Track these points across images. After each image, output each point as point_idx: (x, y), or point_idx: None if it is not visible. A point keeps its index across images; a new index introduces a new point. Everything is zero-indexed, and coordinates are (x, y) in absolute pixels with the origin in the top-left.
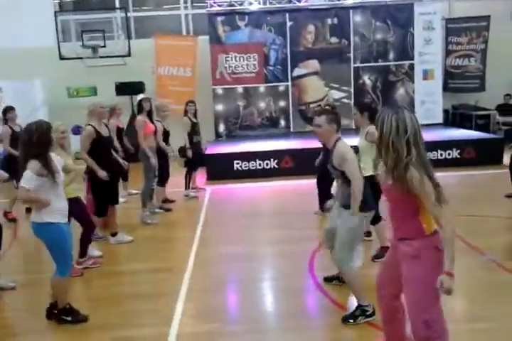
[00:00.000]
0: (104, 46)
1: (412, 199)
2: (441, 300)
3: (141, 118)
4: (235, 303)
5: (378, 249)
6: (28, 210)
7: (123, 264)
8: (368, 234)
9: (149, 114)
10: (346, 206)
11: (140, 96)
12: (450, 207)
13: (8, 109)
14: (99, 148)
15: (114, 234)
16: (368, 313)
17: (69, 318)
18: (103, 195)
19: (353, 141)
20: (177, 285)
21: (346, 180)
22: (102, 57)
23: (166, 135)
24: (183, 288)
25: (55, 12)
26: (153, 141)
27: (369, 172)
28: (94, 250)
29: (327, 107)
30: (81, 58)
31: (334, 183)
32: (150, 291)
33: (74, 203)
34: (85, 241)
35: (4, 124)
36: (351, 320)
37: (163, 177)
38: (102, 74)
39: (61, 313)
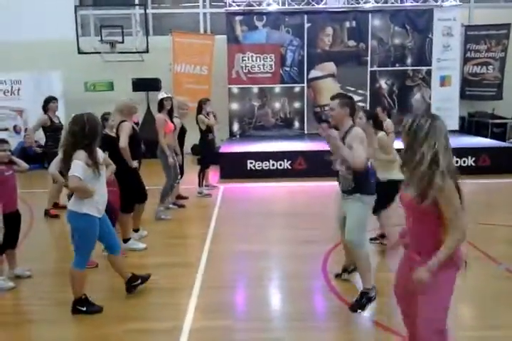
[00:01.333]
0: (122, 42)
1: (436, 215)
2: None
3: (162, 116)
4: (246, 301)
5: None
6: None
7: (137, 258)
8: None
9: (169, 113)
10: (347, 191)
11: (162, 95)
12: (465, 216)
13: (51, 99)
14: (133, 144)
15: (136, 230)
16: (372, 298)
17: (84, 308)
18: (131, 191)
19: None
20: (190, 280)
21: (349, 174)
22: (119, 52)
23: (183, 132)
24: (196, 284)
25: (76, 6)
26: (173, 140)
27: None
28: (138, 243)
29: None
30: (99, 53)
31: None
32: (163, 285)
33: None
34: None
35: (44, 113)
36: (359, 310)
37: (178, 175)
38: (119, 69)
39: (76, 303)
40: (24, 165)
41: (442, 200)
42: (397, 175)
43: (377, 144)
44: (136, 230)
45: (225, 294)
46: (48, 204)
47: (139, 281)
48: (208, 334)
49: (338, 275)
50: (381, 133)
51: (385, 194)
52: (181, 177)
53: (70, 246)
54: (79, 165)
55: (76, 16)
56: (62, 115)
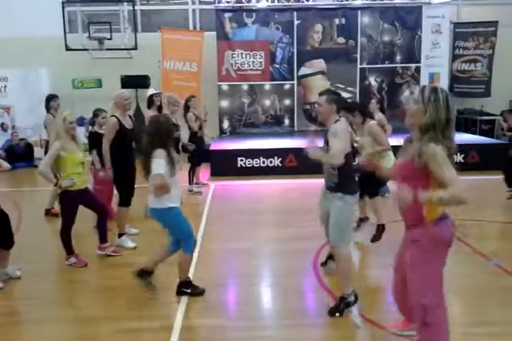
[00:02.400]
0: (111, 39)
1: (422, 181)
2: (443, 289)
3: (151, 113)
4: (237, 299)
5: (375, 228)
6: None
7: (127, 256)
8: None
9: (159, 109)
10: (331, 188)
11: (151, 91)
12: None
13: (52, 97)
14: (121, 140)
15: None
16: (351, 303)
17: (188, 290)
18: (128, 185)
19: None
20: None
21: (333, 169)
22: (108, 49)
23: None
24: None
25: (63, 2)
26: None
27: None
28: (129, 241)
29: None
30: (87, 50)
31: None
32: (154, 284)
33: (85, 193)
34: (103, 226)
35: (47, 113)
36: (337, 314)
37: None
38: (108, 66)
39: (182, 286)
40: (5, 165)
41: (435, 166)
42: (389, 163)
43: (367, 133)
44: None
45: (216, 292)
46: (48, 204)
47: (189, 291)
48: (199, 333)
49: (323, 264)
50: (371, 122)
51: (375, 181)
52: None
53: (58, 244)
54: (161, 163)
55: (63, 13)
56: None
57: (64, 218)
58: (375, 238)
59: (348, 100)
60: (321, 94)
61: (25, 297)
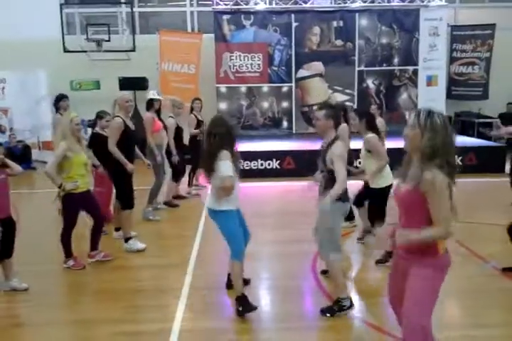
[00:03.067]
0: (109, 40)
1: (425, 213)
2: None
3: (150, 115)
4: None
5: (383, 253)
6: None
7: (125, 259)
8: (369, 232)
9: (157, 111)
10: (324, 195)
11: (151, 94)
12: (453, 217)
13: (62, 97)
14: (125, 141)
15: (118, 229)
16: (345, 307)
17: (240, 308)
18: (129, 187)
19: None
20: (179, 281)
21: (331, 176)
22: (106, 51)
23: (179, 132)
24: (184, 285)
25: (61, 4)
26: (161, 139)
27: (372, 184)
28: (138, 243)
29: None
30: (85, 51)
31: None
32: (152, 287)
33: (88, 196)
34: (97, 234)
35: (56, 112)
36: (328, 314)
37: (179, 174)
38: (106, 68)
39: (237, 301)
40: (18, 168)
41: (433, 199)
42: (387, 180)
43: (366, 146)
44: (118, 229)
45: (214, 295)
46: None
47: (240, 309)
48: (197, 336)
49: (324, 272)
50: (370, 134)
51: (378, 201)
52: (182, 176)
53: (57, 247)
54: (229, 165)
55: (61, 14)
56: (48, 113)
57: (66, 220)
58: (380, 261)
59: (348, 103)
60: (320, 108)
61: (24, 299)
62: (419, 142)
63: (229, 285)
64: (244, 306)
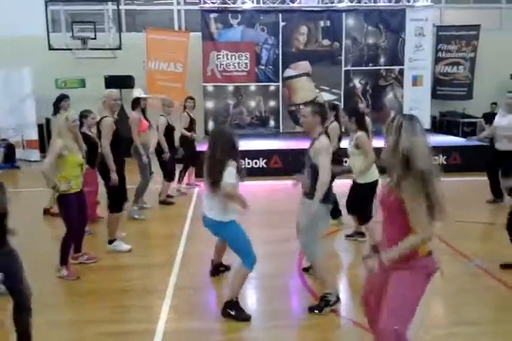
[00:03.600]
0: (95, 38)
1: (404, 217)
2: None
3: (136, 115)
4: (222, 301)
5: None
6: None
7: (110, 259)
8: (362, 234)
9: (143, 110)
10: (308, 195)
11: (138, 92)
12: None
13: (63, 97)
14: (114, 142)
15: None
16: (331, 303)
17: (233, 313)
18: (121, 191)
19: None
20: (163, 282)
21: (314, 171)
22: (91, 49)
23: (170, 130)
24: (169, 285)
25: (46, 1)
26: (147, 138)
27: (359, 180)
28: (123, 244)
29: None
30: (70, 49)
31: None
32: (137, 287)
33: (80, 196)
34: (79, 236)
35: (56, 113)
36: (316, 311)
37: (170, 173)
38: (91, 66)
39: (228, 305)
40: None
41: (409, 203)
42: (373, 176)
43: (354, 143)
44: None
45: (199, 295)
46: (48, 203)
47: (233, 313)
48: (182, 336)
49: (305, 270)
50: (360, 132)
51: (364, 196)
52: (174, 174)
53: (44, 247)
54: (233, 172)
55: (46, 12)
56: (33, 112)
57: (68, 223)
58: (369, 257)
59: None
60: (306, 105)
61: (8, 300)
62: (390, 148)
63: (213, 273)
64: (237, 311)
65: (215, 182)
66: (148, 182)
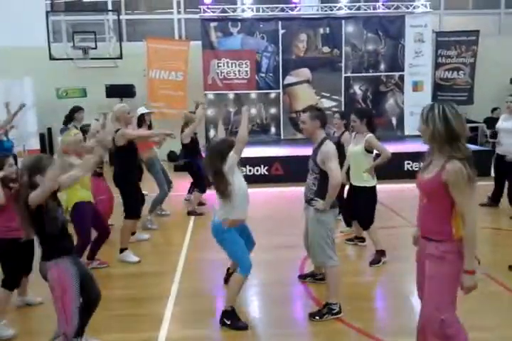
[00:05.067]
0: (95, 48)
1: (448, 200)
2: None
3: (142, 131)
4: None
5: (374, 253)
6: None
7: (113, 267)
8: (362, 239)
9: (149, 127)
10: (311, 200)
11: (141, 110)
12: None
13: (78, 109)
14: (131, 151)
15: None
16: (334, 312)
17: (228, 322)
18: (136, 196)
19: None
20: (166, 289)
21: (321, 177)
22: (92, 58)
23: (194, 141)
24: (172, 293)
25: (47, 12)
26: (154, 154)
27: (363, 183)
28: (131, 255)
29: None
30: (71, 59)
31: None
32: (139, 295)
33: (90, 207)
34: (97, 246)
35: (68, 124)
36: (317, 317)
37: (204, 184)
38: (93, 75)
39: (224, 315)
40: None
41: (455, 187)
42: (374, 180)
43: (364, 145)
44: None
45: (202, 303)
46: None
47: (229, 323)
48: None
49: (301, 277)
50: (369, 134)
51: (370, 200)
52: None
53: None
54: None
55: (47, 22)
56: (34, 122)
57: (80, 234)
58: (373, 262)
59: (335, 109)
60: (303, 111)
61: (8, 309)
62: (428, 134)
63: (226, 280)
64: (233, 321)
65: (216, 173)
66: (166, 194)
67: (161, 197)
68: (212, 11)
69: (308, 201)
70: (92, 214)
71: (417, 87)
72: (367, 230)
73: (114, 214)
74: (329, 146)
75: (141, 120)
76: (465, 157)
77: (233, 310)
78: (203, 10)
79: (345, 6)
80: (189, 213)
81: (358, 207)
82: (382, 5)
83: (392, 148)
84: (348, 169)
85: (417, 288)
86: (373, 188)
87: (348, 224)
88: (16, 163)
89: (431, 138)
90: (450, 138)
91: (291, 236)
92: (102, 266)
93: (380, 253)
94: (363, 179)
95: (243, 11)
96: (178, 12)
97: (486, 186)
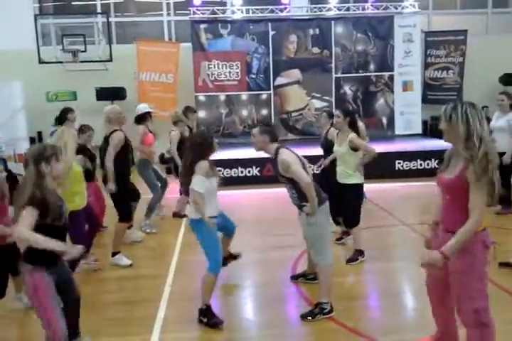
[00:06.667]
0: (85, 51)
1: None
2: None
3: (142, 129)
4: (216, 310)
5: (352, 251)
6: None
7: (105, 270)
8: (347, 233)
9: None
10: (300, 206)
11: (143, 107)
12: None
13: (69, 110)
14: (125, 154)
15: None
16: (325, 311)
17: (205, 320)
18: (127, 199)
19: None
20: (159, 292)
21: (293, 185)
22: (82, 61)
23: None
24: (164, 296)
25: (35, 15)
26: (153, 153)
27: (351, 181)
28: (124, 259)
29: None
30: (61, 62)
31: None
32: (131, 298)
33: (86, 211)
34: (89, 240)
35: (57, 124)
36: (310, 317)
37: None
38: (83, 78)
39: (200, 313)
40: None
41: (472, 186)
42: (361, 178)
43: (349, 145)
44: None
45: (195, 305)
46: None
47: (205, 320)
48: None
49: (293, 277)
50: (352, 134)
51: (357, 197)
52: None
53: None
54: (200, 179)
55: (36, 25)
56: (24, 126)
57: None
58: (351, 260)
59: (326, 109)
60: (254, 126)
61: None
62: (450, 133)
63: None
64: (208, 318)
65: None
66: (159, 196)
67: (156, 198)
68: (202, 13)
69: (300, 207)
70: (85, 216)
71: (406, 86)
72: (352, 229)
73: (108, 217)
74: (284, 154)
75: (144, 118)
76: (485, 157)
77: (208, 307)
78: (193, 12)
79: (335, 7)
80: (174, 215)
81: (345, 205)
82: (371, 5)
83: (382, 147)
84: (336, 167)
85: (430, 287)
86: (360, 186)
87: (338, 223)
88: (6, 168)
89: (452, 137)
90: (470, 138)
91: (283, 237)
92: (96, 264)
93: (359, 253)
94: (350, 177)
95: (233, 12)
96: (168, 14)
97: None
